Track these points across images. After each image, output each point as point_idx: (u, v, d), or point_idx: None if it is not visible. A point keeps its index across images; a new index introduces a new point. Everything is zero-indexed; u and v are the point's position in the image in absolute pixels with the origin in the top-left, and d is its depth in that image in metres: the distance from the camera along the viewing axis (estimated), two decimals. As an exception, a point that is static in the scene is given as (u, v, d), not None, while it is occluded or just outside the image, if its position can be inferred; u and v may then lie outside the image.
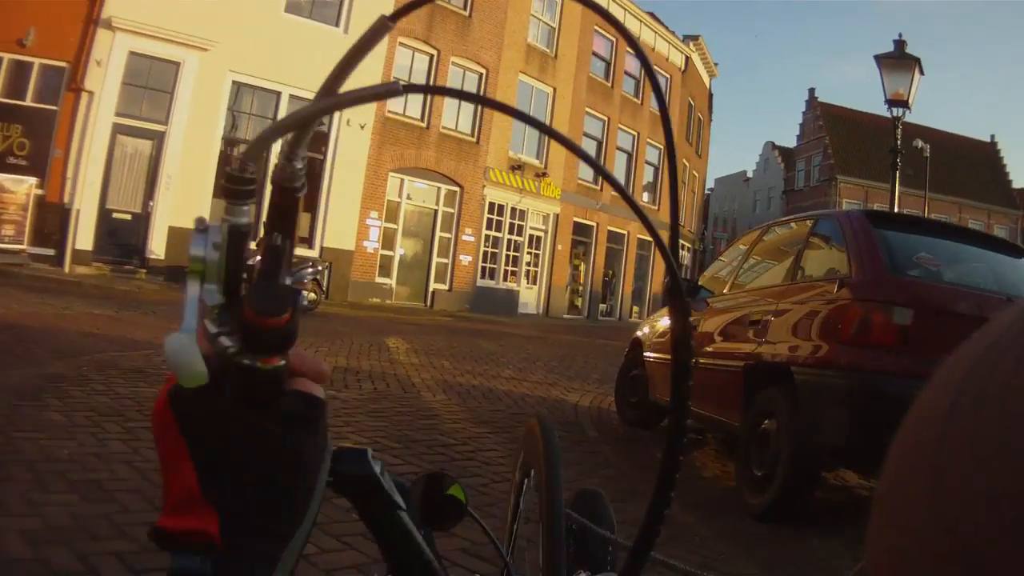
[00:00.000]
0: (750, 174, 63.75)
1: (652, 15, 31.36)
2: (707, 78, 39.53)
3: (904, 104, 10.60)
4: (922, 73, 10.79)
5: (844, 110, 55.05)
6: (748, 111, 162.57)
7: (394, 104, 20.76)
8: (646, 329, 7.53)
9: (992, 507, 0.27)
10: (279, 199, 0.64)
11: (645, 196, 32.35)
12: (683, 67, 34.55)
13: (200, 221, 0.60)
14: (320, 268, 15.82)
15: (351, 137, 19.22)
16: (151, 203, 16.45)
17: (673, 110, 33.77)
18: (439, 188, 22.31)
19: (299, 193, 0.64)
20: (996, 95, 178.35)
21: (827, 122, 53.38)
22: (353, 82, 0.57)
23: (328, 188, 19.02)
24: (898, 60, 10.77)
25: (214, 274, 0.59)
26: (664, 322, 6.72)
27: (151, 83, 16.49)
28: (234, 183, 0.59)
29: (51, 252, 15.22)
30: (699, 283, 6.79)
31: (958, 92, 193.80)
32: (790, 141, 58.84)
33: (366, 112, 19.52)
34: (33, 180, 14.98)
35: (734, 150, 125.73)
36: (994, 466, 0.27)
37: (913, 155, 52.73)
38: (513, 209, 25.04)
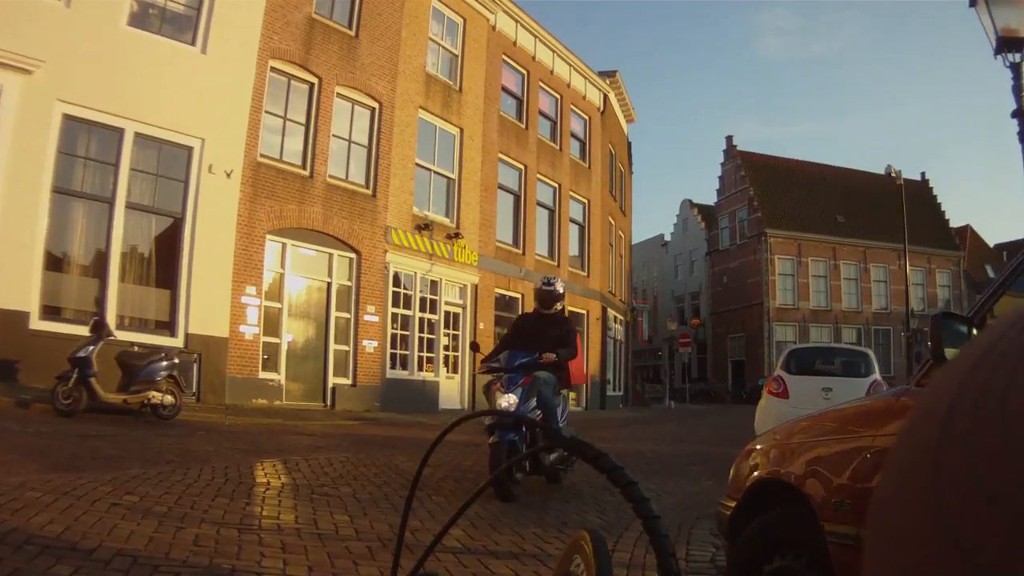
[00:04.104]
0: (668, 237, 63.38)
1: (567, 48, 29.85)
2: (625, 124, 38.34)
3: (1021, 44, 8.60)
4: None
5: (766, 157, 55.58)
6: (660, 166, 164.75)
7: (267, 144, 18.09)
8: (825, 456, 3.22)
9: (991, 506, 0.29)
10: None
11: (571, 262, 30.24)
12: (602, 107, 33.17)
13: None
14: (176, 360, 12.84)
15: (215, 188, 16.37)
16: (-38, 275, 13.25)
17: (595, 157, 32.28)
18: (331, 255, 19.53)
19: None
20: (911, 133, 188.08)
21: (749, 172, 53.57)
22: None
23: (190, 256, 16.00)
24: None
25: None
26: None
27: (-41, 115, 13.42)
28: None
29: None
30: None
31: (871, 132, 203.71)
32: (708, 198, 58.75)
33: (231, 155, 16.75)
34: None
35: (649, 212, 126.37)
36: (993, 465, 0.30)
37: (844, 199, 53.22)
38: (423, 280, 22.45)
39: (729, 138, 56.86)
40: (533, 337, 8.53)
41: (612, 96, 34.51)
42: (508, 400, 7.84)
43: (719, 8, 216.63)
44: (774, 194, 52.49)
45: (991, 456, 0.30)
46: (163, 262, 15.96)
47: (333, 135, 19.75)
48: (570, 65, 30.55)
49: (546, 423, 8.01)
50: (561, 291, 8.87)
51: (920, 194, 54.30)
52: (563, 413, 8.75)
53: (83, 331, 12.59)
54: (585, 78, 31.81)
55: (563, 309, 9.22)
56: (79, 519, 5.13)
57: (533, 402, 7.96)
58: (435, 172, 23.31)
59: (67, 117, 14.38)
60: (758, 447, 3.80)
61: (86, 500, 5.71)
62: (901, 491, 0.34)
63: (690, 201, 61.24)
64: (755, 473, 3.64)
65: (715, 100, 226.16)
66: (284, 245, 18.39)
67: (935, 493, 0.32)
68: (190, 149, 16.16)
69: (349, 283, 19.99)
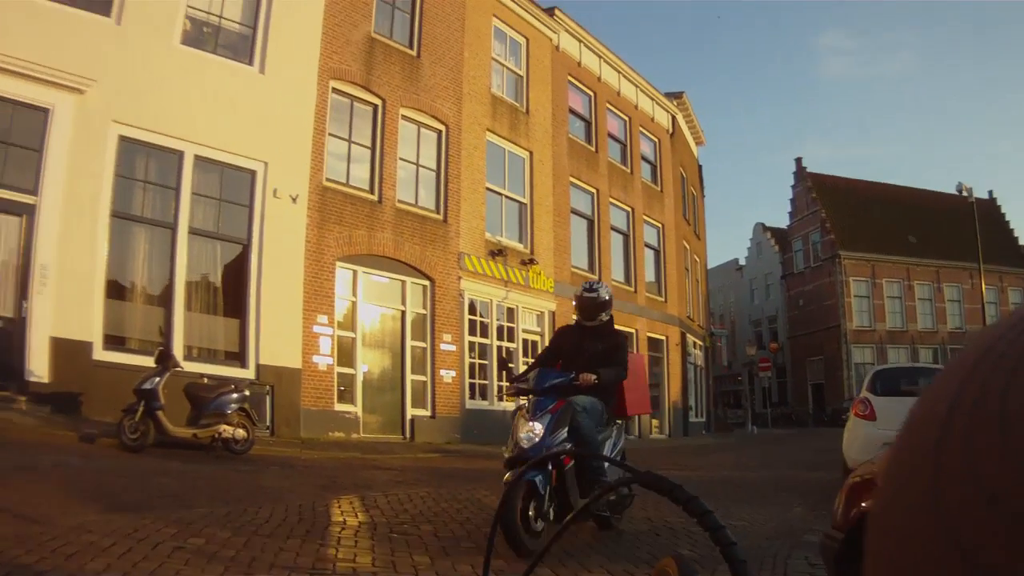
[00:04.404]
0: (742, 262, 62.02)
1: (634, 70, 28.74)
2: (695, 146, 37.03)
3: None
4: None
5: (836, 179, 54.03)
6: (731, 190, 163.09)
7: (332, 168, 17.14)
8: None
9: (991, 506, 0.29)
10: None
11: (649, 288, 28.90)
12: (671, 129, 31.94)
13: None
14: (247, 392, 11.87)
15: (281, 213, 15.42)
16: (25, 304, 12.35)
17: (666, 181, 31.03)
18: (404, 282, 18.44)
19: None
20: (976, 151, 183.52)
21: (820, 194, 52.03)
22: None
23: (258, 284, 15.01)
24: None
25: None
26: None
27: (15, 137, 12.57)
28: None
29: None
30: None
31: (939, 151, 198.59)
32: (780, 220, 57.18)
33: (296, 179, 15.79)
34: None
35: (722, 236, 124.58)
36: (993, 465, 0.30)
37: (915, 219, 51.21)
38: (499, 307, 21.26)
39: (799, 160, 55.30)
40: (573, 353, 6.77)
41: (680, 118, 33.24)
42: (533, 430, 6.02)
43: (777, 30, 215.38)
44: (846, 216, 50.76)
45: (991, 456, 0.30)
46: (230, 290, 14.99)
47: (400, 159, 18.75)
48: (636, 86, 29.39)
49: (586, 457, 6.25)
50: (607, 298, 7.04)
51: (989, 212, 52.02)
52: (615, 447, 6.95)
53: (148, 362, 11.67)
54: (652, 99, 30.61)
55: (610, 320, 7.25)
56: (138, 565, 4.66)
57: (563, 433, 6.12)
58: (506, 197, 22.23)
59: (123, 139, 13.51)
60: (862, 478, 3.77)
61: (147, 543, 5.20)
62: (901, 492, 0.34)
63: (763, 224, 59.82)
64: (863, 504, 3.64)
65: (782, 122, 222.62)
66: (355, 272, 17.35)
67: (935, 494, 0.31)
68: (253, 173, 15.24)
69: (424, 311, 18.88)
